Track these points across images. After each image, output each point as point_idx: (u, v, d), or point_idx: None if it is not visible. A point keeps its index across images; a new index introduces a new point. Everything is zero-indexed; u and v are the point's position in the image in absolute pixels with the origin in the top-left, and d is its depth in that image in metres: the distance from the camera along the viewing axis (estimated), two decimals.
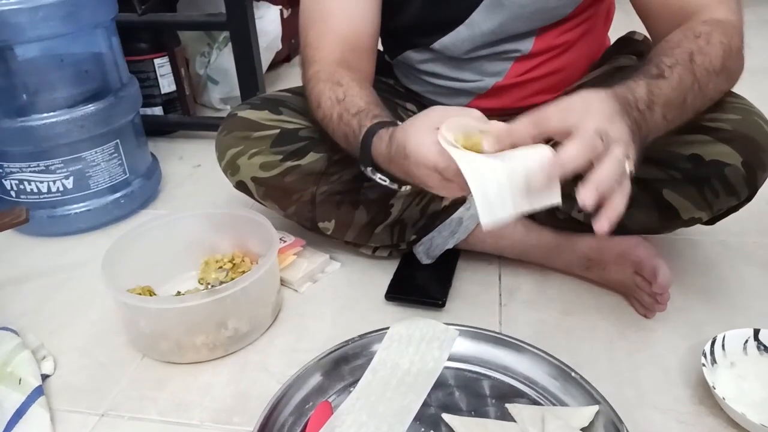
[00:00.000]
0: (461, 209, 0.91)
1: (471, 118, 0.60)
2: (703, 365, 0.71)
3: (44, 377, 0.78)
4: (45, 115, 1.03)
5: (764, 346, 0.75)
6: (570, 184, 0.86)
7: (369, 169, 0.72)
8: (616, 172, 0.51)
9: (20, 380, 0.74)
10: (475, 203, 0.55)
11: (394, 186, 0.72)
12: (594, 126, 0.52)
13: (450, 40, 0.88)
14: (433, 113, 0.63)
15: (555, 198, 0.56)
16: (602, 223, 0.52)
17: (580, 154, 0.51)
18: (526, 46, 0.88)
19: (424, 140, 0.60)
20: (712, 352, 0.73)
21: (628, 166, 0.53)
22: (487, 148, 0.57)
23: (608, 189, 0.51)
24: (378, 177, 0.72)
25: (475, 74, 0.91)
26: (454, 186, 0.60)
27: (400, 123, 0.70)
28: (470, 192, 0.56)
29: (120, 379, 0.79)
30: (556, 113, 0.55)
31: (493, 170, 0.55)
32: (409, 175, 0.64)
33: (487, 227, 0.56)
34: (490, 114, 0.94)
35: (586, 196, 0.50)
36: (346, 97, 0.75)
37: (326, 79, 0.79)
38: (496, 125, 0.58)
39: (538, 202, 0.57)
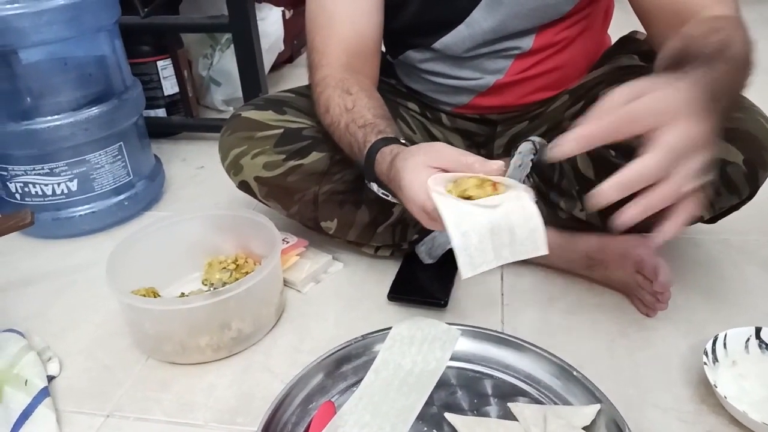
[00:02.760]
0: None
1: (466, 159, 0.61)
2: (705, 364, 0.71)
3: (50, 378, 0.78)
4: (49, 118, 1.04)
5: (766, 344, 0.75)
6: (571, 181, 0.86)
7: (373, 184, 0.74)
8: (676, 192, 0.49)
9: (26, 381, 0.75)
10: (456, 255, 0.55)
11: (396, 201, 0.73)
12: (676, 139, 0.48)
13: (450, 40, 0.89)
14: (430, 150, 0.64)
15: (542, 250, 0.58)
16: (663, 232, 0.51)
17: (652, 173, 0.48)
18: (527, 43, 0.88)
19: (415, 178, 0.61)
20: (713, 351, 0.73)
21: (702, 179, 0.49)
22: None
23: (659, 206, 0.49)
24: (381, 193, 0.74)
25: (476, 72, 0.91)
26: (438, 224, 0.61)
27: (403, 141, 0.71)
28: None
29: (125, 381, 0.79)
30: (647, 111, 0.49)
31: (476, 223, 0.56)
32: (403, 203, 0.66)
33: (465, 276, 0.56)
34: (492, 111, 0.96)
35: (629, 214, 0.48)
36: (354, 106, 0.77)
37: (335, 85, 0.81)
38: (491, 166, 0.59)
39: (522, 253, 0.58)
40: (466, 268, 0.56)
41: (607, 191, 0.48)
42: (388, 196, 0.74)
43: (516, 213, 0.58)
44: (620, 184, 0.48)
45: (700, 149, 0.49)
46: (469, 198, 0.59)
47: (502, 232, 0.57)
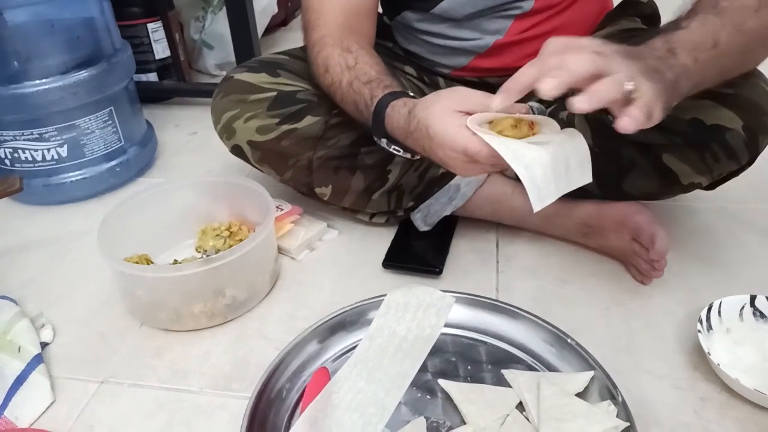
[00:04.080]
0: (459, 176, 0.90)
1: (492, 101, 0.60)
2: (699, 331, 0.71)
3: (43, 345, 0.78)
4: (37, 82, 1.02)
5: (760, 312, 0.75)
6: None
7: (383, 140, 0.72)
8: (614, 90, 0.52)
9: (20, 348, 0.75)
10: (526, 189, 0.56)
11: (408, 155, 0.72)
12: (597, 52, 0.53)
13: (449, 5, 0.86)
14: (454, 95, 0.63)
15: (587, 177, 0.61)
16: (624, 120, 0.52)
17: (583, 63, 0.52)
18: (527, 4, 0.86)
19: (449, 123, 0.61)
20: (708, 319, 0.73)
21: (631, 85, 0.52)
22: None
23: (607, 99, 0.52)
24: (393, 148, 0.72)
25: (475, 32, 0.89)
26: (476, 167, 0.62)
27: (411, 93, 0.70)
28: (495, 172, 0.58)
29: (119, 348, 0.79)
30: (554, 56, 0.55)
31: (538, 156, 0.56)
32: (429, 153, 0.65)
33: (537, 210, 0.57)
34: (491, 74, 0.94)
35: (576, 101, 0.51)
36: (357, 64, 0.76)
37: (334, 44, 0.79)
38: (518, 107, 0.60)
39: (574, 183, 0.60)
40: (536, 202, 0.57)
41: (547, 82, 0.52)
42: (399, 152, 0.72)
43: (568, 144, 0.59)
44: (559, 73, 0.52)
45: (619, 63, 0.54)
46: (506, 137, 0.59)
47: (559, 164, 0.58)
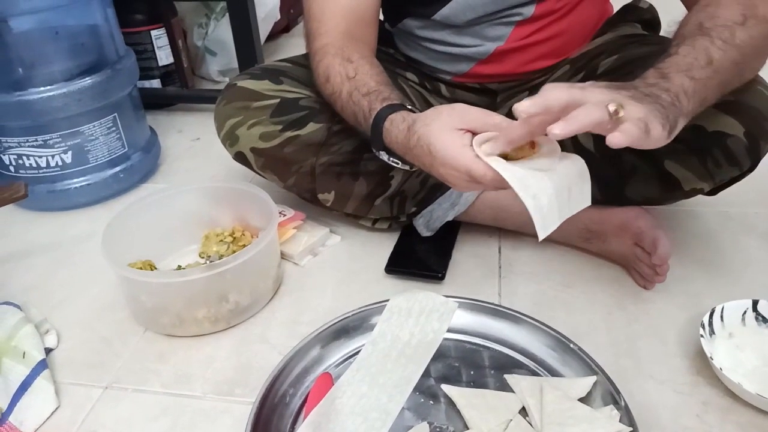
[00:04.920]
0: None
1: (492, 119, 0.61)
2: (701, 336, 0.71)
3: (48, 351, 0.78)
4: (42, 89, 1.02)
5: (762, 317, 0.75)
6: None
7: (382, 153, 0.72)
8: (594, 113, 0.52)
9: (24, 354, 0.75)
10: (533, 219, 0.57)
11: (407, 167, 0.72)
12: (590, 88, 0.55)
13: (450, 11, 0.87)
14: (454, 112, 0.63)
15: (587, 201, 0.62)
16: (614, 134, 0.52)
17: (560, 95, 0.53)
18: (528, 10, 0.86)
19: (451, 143, 0.61)
20: (710, 323, 0.73)
21: (612, 107, 0.53)
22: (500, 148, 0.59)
23: (586, 123, 0.52)
24: (391, 160, 0.73)
25: (476, 39, 0.90)
26: (478, 186, 0.62)
27: (409, 106, 0.70)
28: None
29: (123, 353, 0.79)
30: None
31: (543, 185, 0.57)
32: (430, 169, 0.65)
33: (542, 238, 0.58)
34: (492, 80, 0.94)
35: (554, 125, 0.52)
36: (357, 74, 0.75)
37: (335, 53, 0.79)
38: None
39: (575, 208, 0.61)
40: (541, 230, 0.58)
41: (524, 103, 0.53)
42: (398, 164, 0.72)
43: (571, 171, 0.60)
44: (535, 98, 0.53)
45: (601, 91, 0.55)
46: (505, 158, 0.60)
47: (563, 192, 0.59)
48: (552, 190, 0.57)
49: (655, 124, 0.54)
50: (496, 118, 0.61)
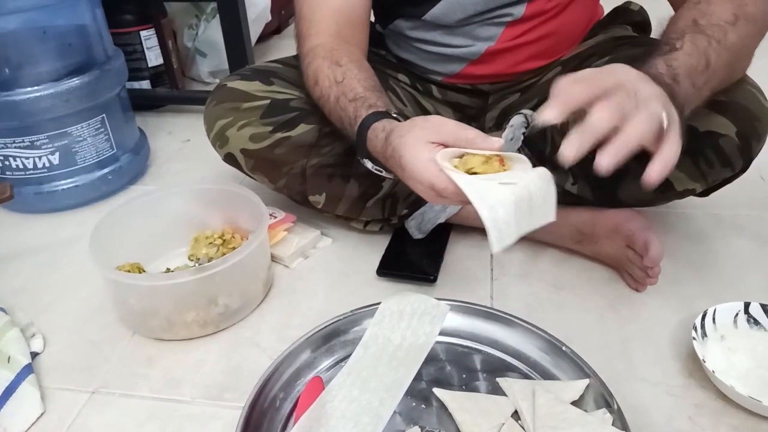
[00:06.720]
0: None
1: (466, 133, 0.60)
2: (694, 338, 0.71)
3: (34, 355, 0.77)
4: (29, 89, 1.01)
5: (754, 319, 0.75)
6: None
7: (366, 161, 0.72)
8: (649, 129, 0.51)
9: (9, 358, 0.74)
10: (487, 231, 0.56)
11: (390, 176, 0.72)
12: (620, 84, 0.52)
13: (440, 11, 0.87)
14: (427, 125, 0.63)
15: (551, 216, 0.60)
16: (651, 174, 0.51)
17: (606, 116, 0.51)
18: (518, 10, 0.86)
19: (419, 156, 0.60)
20: (702, 326, 0.73)
21: (665, 120, 0.52)
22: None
23: (636, 147, 0.51)
24: (374, 168, 0.72)
25: (467, 39, 0.90)
26: (443, 200, 0.62)
27: (394, 114, 0.70)
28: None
29: (110, 357, 0.78)
30: (579, 84, 0.54)
31: (502, 197, 0.56)
32: (403, 180, 0.65)
33: (495, 252, 0.57)
34: (484, 81, 0.94)
35: (602, 159, 0.50)
36: (344, 79, 0.75)
37: (324, 56, 0.78)
38: (492, 143, 0.60)
39: (536, 222, 0.59)
40: (495, 243, 0.56)
41: (569, 144, 0.50)
42: (381, 172, 0.72)
43: (534, 184, 0.58)
44: (580, 135, 0.51)
45: (650, 96, 0.53)
46: (475, 174, 0.59)
47: (522, 204, 0.57)
48: (511, 203, 0.56)
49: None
50: (471, 133, 0.60)
